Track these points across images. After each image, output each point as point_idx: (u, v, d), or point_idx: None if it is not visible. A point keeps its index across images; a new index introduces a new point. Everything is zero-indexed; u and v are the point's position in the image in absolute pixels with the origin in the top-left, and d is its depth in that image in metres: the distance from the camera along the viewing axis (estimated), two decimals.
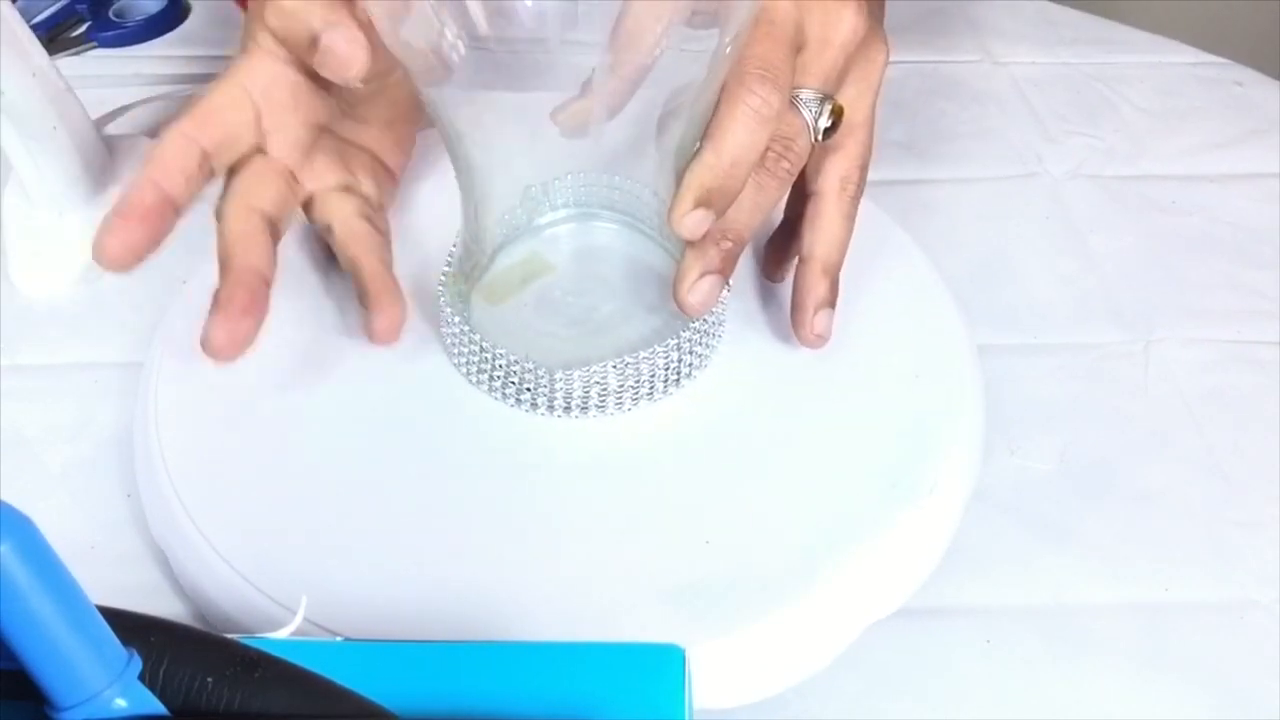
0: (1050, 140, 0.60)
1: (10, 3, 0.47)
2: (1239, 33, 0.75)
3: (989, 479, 0.44)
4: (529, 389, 0.42)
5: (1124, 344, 0.49)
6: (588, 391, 0.41)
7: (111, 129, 0.59)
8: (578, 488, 0.41)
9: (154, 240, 0.38)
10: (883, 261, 0.48)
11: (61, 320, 0.51)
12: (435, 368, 0.44)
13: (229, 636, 0.23)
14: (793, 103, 0.40)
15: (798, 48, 0.40)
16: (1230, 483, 0.44)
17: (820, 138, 0.41)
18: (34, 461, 0.45)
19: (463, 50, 0.37)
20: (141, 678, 0.21)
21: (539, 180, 0.45)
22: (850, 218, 0.43)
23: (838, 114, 0.41)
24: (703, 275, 0.40)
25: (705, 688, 0.34)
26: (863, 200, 0.49)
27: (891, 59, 0.43)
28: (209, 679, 0.22)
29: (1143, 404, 0.47)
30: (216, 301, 0.39)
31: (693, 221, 0.39)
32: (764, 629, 0.37)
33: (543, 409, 0.42)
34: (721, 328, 0.44)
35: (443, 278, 0.43)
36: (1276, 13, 0.93)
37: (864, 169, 0.43)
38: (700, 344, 0.43)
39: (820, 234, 0.43)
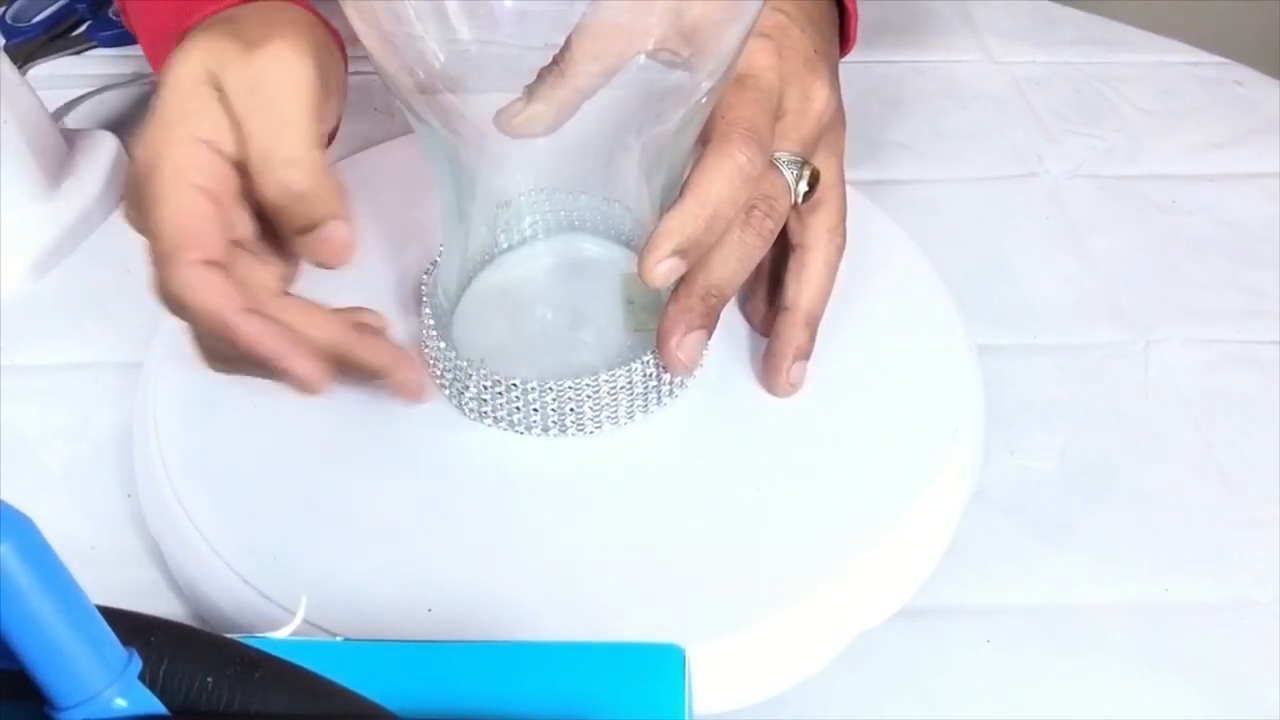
0: (1050, 140, 0.60)
1: None
2: (1239, 33, 0.75)
3: (989, 479, 0.44)
4: (518, 409, 0.41)
5: (1124, 344, 0.49)
6: (563, 409, 0.41)
7: (70, 123, 0.59)
8: (578, 491, 0.41)
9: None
10: (883, 261, 0.48)
11: (62, 320, 0.51)
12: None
13: (229, 636, 0.23)
14: (774, 164, 0.41)
15: (778, 116, 0.41)
16: (1230, 483, 0.44)
17: (800, 200, 0.42)
18: (34, 461, 0.45)
19: (442, 58, 0.36)
20: (141, 678, 0.21)
21: (514, 195, 0.45)
22: (834, 270, 0.44)
23: (814, 178, 0.42)
24: (688, 332, 0.40)
25: (705, 688, 0.34)
26: (863, 200, 0.49)
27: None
28: (209, 679, 0.22)
29: (1143, 404, 0.47)
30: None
31: (665, 269, 0.38)
32: (764, 629, 0.37)
33: (520, 428, 0.41)
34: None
35: (423, 288, 0.43)
36: (1276, 13, 0.93)
37: (844, 224, 0.44)
38: None
39: (806, 285, 0.43)
